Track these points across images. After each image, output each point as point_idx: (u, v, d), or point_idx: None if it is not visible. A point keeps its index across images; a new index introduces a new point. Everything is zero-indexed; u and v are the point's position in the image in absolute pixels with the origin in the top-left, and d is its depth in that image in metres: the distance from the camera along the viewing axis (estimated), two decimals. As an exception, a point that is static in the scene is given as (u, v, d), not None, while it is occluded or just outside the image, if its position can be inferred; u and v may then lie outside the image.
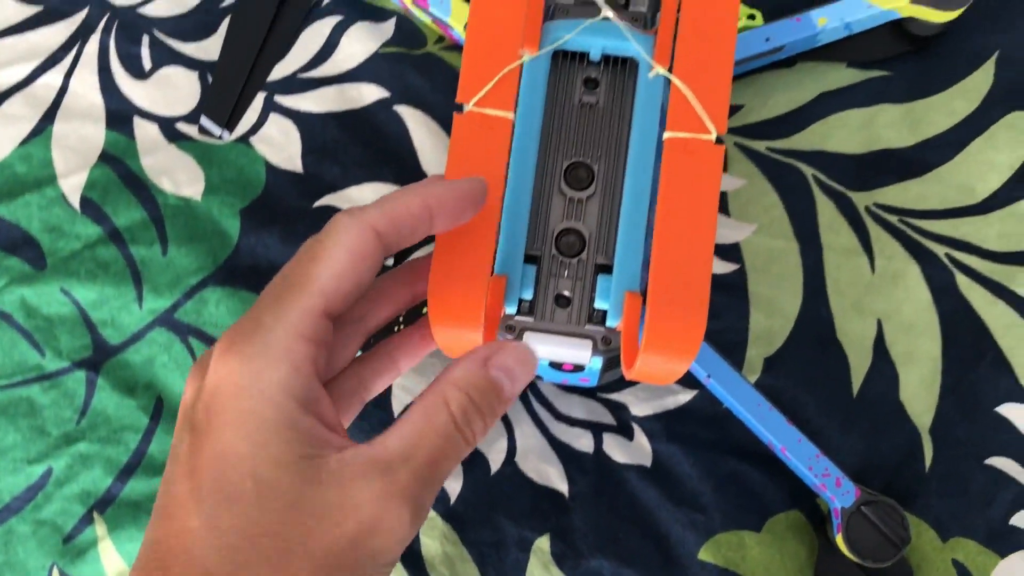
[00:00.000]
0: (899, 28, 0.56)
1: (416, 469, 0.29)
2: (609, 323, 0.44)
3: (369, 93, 0.56)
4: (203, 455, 0.28)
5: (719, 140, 0.42)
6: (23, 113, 0.56)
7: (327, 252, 0.31)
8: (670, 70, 0.43)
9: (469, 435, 0.31)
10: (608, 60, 0.48)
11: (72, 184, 0.55)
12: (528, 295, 0.45)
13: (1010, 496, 0.50)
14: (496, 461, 0.51)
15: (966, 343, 0.52)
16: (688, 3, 0.44)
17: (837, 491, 0.48)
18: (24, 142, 0.55)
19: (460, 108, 0.43)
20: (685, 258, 0.41)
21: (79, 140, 0.56)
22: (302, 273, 0.31)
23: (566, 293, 0.45)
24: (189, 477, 0.28)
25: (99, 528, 0.51)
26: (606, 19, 0.46)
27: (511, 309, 0.44)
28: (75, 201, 0.55)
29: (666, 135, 0.43)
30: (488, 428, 0.31)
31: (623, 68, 0.48)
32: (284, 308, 0.30)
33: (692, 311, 0.40)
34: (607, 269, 0.45)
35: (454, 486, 0.51)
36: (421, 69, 0.57)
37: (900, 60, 0.56)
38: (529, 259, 0.45)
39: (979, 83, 0.56)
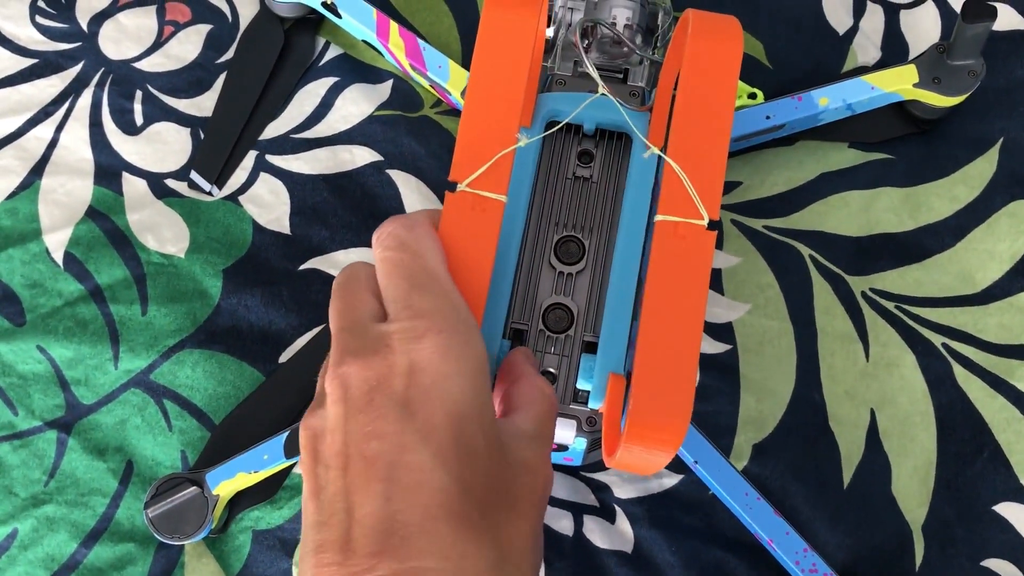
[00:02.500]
0: (903, 110, 0.55)
1: (546, 440, 0.36)
2: (592, 405, 0.42)
3: (361, 156, 0.56)
4: (435, 417, 0.31)
5: (711, 225, 0.41)
6: (12, 166, 0.55)
7: (423, 245, 0.36)
8: (664, 149, 0.42)
9: (556, 409, 0.38)
10: (603, 133, 0.47)
11: (56, 240, 0.54)
12: None
13: (1009, 598, 0.49)
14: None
15: (963, 437, 0.51)
16: (685, 83, 0.43)
17: (824, 588, 0.46)
18: (11, 195, 0.55)
19: (453, 186, 0.42)
20: (671, 346, 0.39)
21: (66, 195, 0.55)
22: (421, 266, 0.35)
23: (552, 370, 0.44)
24: (424, 440, 0.31)
25: (61, 594, 0.49)
26: (603, 95, 0.45)
27: None
28: (59, 257, 0.54)
29: (658, 218, 0.42)
30: None
31: (619, 142, 0.47)
32: (442, 294, 0.34)
33: (677, 402, 0.39)
34: (594, 347, 0.44)
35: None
36: (416, 133, 0.56)
37: (903, 143, 0.55)
38: (515, 332, 0.44)
39: (982, 170, 0.55)
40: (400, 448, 0.31)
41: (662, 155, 0.43)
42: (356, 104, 0.57)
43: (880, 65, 0.56)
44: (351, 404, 0.32)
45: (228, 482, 0.48)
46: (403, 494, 0.30)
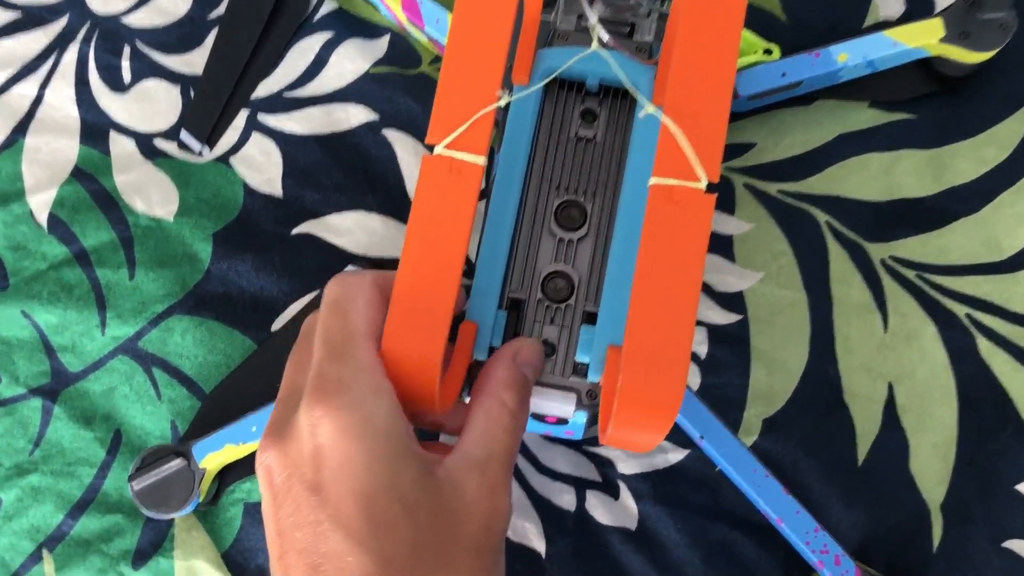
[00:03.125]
0: (927, 67, 0.52)
1: (501, 462, 0.35)
2: (591, 377, 0.40)
3: (356, 115, 0.53)
4: (344, 501, 0.31)
5: (711, 188, 0.39)
6: (-6, 124, 0.53)
7: (352, 307, 0.35)
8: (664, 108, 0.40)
9: (523, 423, 0.37)
10: (608, 90, 0.44)
11: (40, 201, 0.52)
12: (499, 343, 0.41)
13: (1031, 580, 0.46)
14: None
15: (985, 412, 0.48)
16: (684, 33, 0.40)
17: (836, 569, 0.44)
18: (-6, 154, 0.53)
19: (431, 149, 0.40)
20: (664, 321, 0.37)
21: (51, 154, 0.53)
22: (342, 329, 0.35)
23: (551, 341, 0.42)
24: (339, 526, 0.31)
25: (47, 566, 0.48)
26: (602, 47, 0.43)
27: (481, 357, 0.41)
28: (43, 219, 0.52)
29: (651, 181, 0.39)
30: None
31: (624, 99, 0.44)
32: (352, 360, 0.34)
33: (669, 379, 0.36)
34: (595, 318, 0.42)
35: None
36: (413, 91, 0.53)
37: (927, 102, 0.52)
38: (513, 303, 0.42)
39: (1012, 129, 0.52)
40: (318, 536, 0.31)
41: (657, 113, 0.40)
42: (351, 61, 0.54)
43: (904, 19, 0.53)
44: (276, 493, 0.33)
45: (215, 454, 0.46)
46: None
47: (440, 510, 0.33)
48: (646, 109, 0.41)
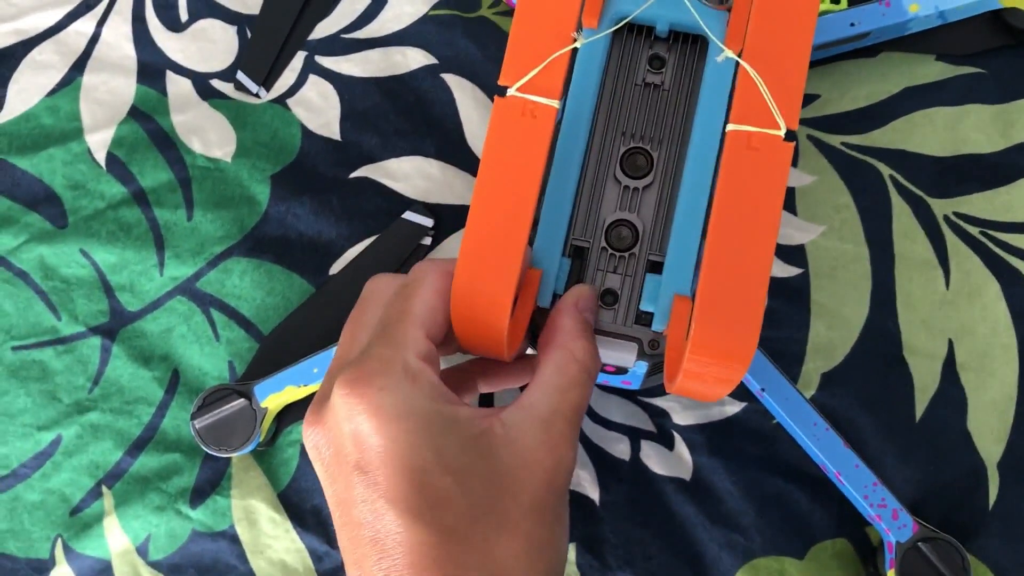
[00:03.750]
0: (998, 20, 0.51)
1: (567, 417, 0.35)
2: (655, 327, 0.40)
3: (415, 58, 0.53)
4: (393, 480, 0.32)
5: (789, 136, 0.38)
6: (52, 61, 0.53)
7: (417, 291, 0.36)
8: (740, 54, 0.39)
9: (594, 375, 0.37)
10: (677, 36, 0.44)
11: (99, 140, 0.52)
12: (563, 291, 0.41)
13: (1081, 537, 0.46)
14: (525, 462, 0.48)
15: (1046, 372, 0.48)
16: None
17: (893, 524, 0.44)
18: (52, 92, 0.53)
19: (503, 91, 0.40)
20: (741, 264, 0.37)
21: (108, 93, 0.53)
22: (399, 310, 0.35)
23: (614, 289, 0.42)
24: (393, 504, 0.32)
25: (106, 502, 0.48)
26: (676, -7, 0.42)
27: (544, 304, 0.41)
28: (101, 158, 0.52)
29: (729, 127, 0.39)
30: None
31: (693, 46, 0.44)
32: (397, 341, 0.34)
33: (745, 322, 0.36)
34: (659, 267, 0.42)
35: (479, 486, 0.48)
36: (473, 34, 0.53)
37: (996, 56, 0.51)
38: (576, 250, 0.42)
39: (1083, 85, 0.51)
40: (375, 514, 0.32)
41: (737, 58, 0.39)
42: (410, 3, 0.53)
43: (977, -30, 0.52)
44: (327, 469, 0.34)
45: (276, 395, 0.46)
46: (390, 556, 0.32)
47: (495, 472, 0.33)
48: (725, 54, 0.40)
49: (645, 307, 0.41)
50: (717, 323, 0.36)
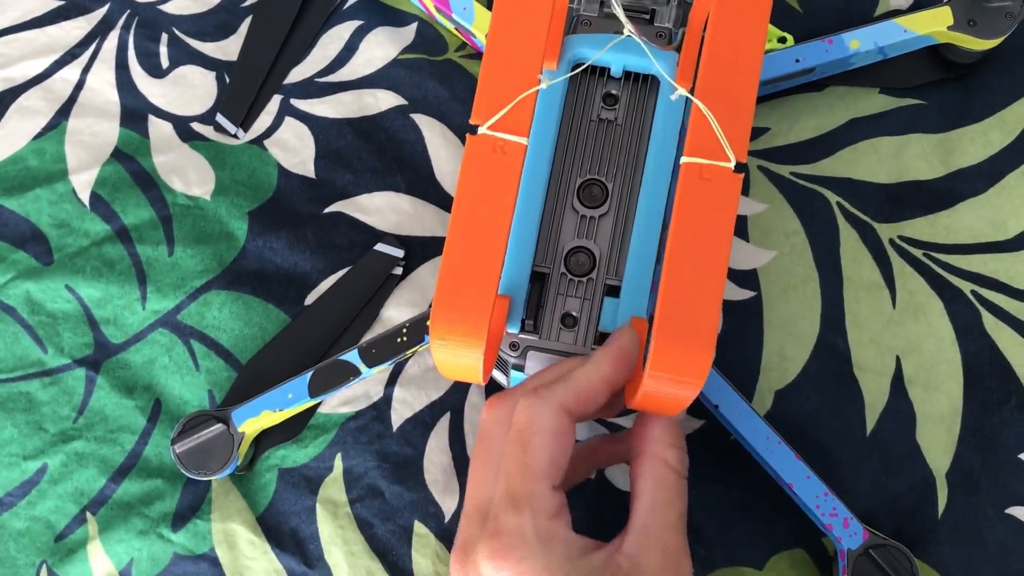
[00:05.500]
0: (936, 54, 0.54)
1: (677, 529, 0.38)
2: None
3: (386, 100, 0.55)
4: None
5: (739, 168, 0.41)
6: (39, 107, 0.56)
7: (536, 440, 0.37)
8: (692, 91, 0.42)
9: (686, 476, 0.39)
10: (629, 75, 0.46)
11: (83, 180, 0.54)
12: (524, 314, 0.43)
13: (1033, 548, 0.48)
14: (494, 482, 0.50)
15: (990, 386, 0.50)
16: (716, 22, 0.42)
17: (844, 532, 0.46)
18: (38, 136, 0.55)
19: (475, 129, 0.42)
20: (695, 287, 0.39)
21: (92, 136, 0.55)
22: (522, 467, 0.37)
23: (573, 313, 0.44)
24: None
25: (91, 527, 0.50)
26: (630, 37, 0.45)
27: (513, 329, 0.43)
28: (85, 197, 0.54)
29: (683, 160, 0.42)
30: None
31: (644, 85, 0.46)
32: (527, 508, 0.36)
33: (700, 339, 0.39)
34: (616, 291, 0.44)
35: (450, 504, 0.50)
36: (440, 76, 0.56)
37: (936, 88, 0.54)
38: (536, 276, 0.44)
39: (1019, 115, 0.54)
40: None
41: (690, 96, 0.42)
42: (381, 47, 0.56)
43: (914, 9, 0.55)
44: None
45: (253, 420, 0.48)
46: None
47: None
48: (679, 92, 0.43)
49: (604, 328, 0.43)
50: (674, 342, 0.39)
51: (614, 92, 0.47)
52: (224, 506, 0.50)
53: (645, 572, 0.36)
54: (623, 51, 0.45)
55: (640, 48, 0.44)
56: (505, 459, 0.37)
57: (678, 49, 0.45)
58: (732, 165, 0.41)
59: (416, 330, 0.49)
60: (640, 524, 0.37)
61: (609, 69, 0.46)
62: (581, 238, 0.45)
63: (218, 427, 0.48)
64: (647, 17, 0.47)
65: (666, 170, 0.43)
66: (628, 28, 0.44)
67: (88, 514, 0.50)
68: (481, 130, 0.42)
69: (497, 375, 0.47)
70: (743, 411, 0.48)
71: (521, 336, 0.44)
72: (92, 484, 0.51)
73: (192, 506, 0.50)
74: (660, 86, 0.44)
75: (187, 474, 0.48)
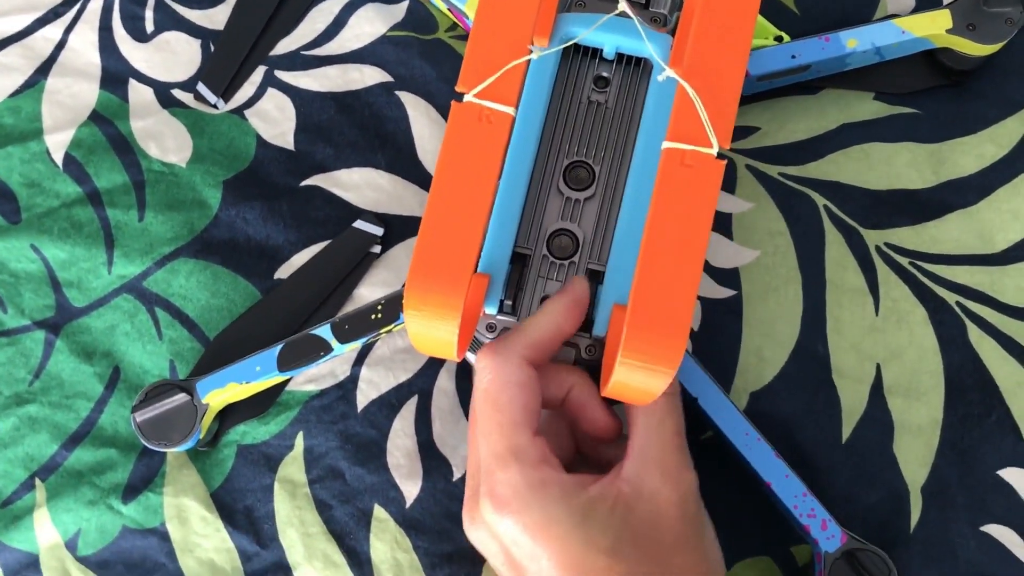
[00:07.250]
0: (933, 60, 0.53)
1: (674, 445, 0.40)
2: (596, 332, 0.41)
3: (371, 75, 0.54)
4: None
5: (721, 155, 0.40)
6: (17, 64, 0.54)
7: (504, 396, 0.38)
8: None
9: (677, 392, 0.41)
10: (622, 58, 0.45)
11: (57, 141, 0.53)
12: (504, 295, 0.42)
13: (1008, 571, 0.47)
14: (460, 467, 0.49)
15: (972, 399, 0.49)
16: (704, 7, 0.42)
17: (822, 534, 0.45)
18: (15, 93, 0.54)
19: (460, 97, 0.41)
20: (671, 276, 0.38)
21: (71, 97, 0.54)
22: (499, 425, 0.38)
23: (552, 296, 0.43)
24: None
25: (39, 494, 0.48)
26: (623, 15, 0.44)
27: (491, 310, 0.42)
28: (59, 158, 0.53)
29: (665, 145, 0.41)
30: None
31: (637, 68, 0.45)
32: (513, 465, 0.37)
33: (673, 328, 0.38)
34: (598, 276, 0.43)
35: (411, 490, 0.48)
36: (428, 55, 0.55)
37: (930, 98, 0.53)
38: (517, 257, 0.43)
39: (1012, 129, 0.53)
40: None
41: (677, 77, 0.41)
42: (370, 23, 0.55)
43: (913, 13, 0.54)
44: (495, 563, 0.39)
45: (218, 391, 0.47)
46: None
47: (637, 530, 0.37)
48: (666, 73, 0.42)
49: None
50: (647, 329, 0.38)
51: (605, 75, 0.46)
52: (178, 480, 0.49)
53: (644, 492, 0.37)
54: (616, 32, 0.44)
55: (634, 30, 0.44)
56: (481, 422, 0.38)
57: (672, 33, 0.44)
58: (715, 151, 0.40)
59: (391, 307, 0.48)
60: (637, 448, 0.39)
61: (601, 51, 0.45)
62: (565, 220, 0.44)
63: (182, 397, 0.46)
64: (643, 1, 0.46)
65: (655, 156, 0.42)
66: (622, 3, 0.43)
67: (37, 480, 0.49)
68: (467, 97, 0.41)
69: (472, 357, 0.45)
70: (723, 405, 0.46)
71: (499, 318, 0.43)
72: (43, 450, 0.49)
73: (145, 478, 0.49)
74: (654, 70, 0.43)
75: (147, 444, 0.46)
